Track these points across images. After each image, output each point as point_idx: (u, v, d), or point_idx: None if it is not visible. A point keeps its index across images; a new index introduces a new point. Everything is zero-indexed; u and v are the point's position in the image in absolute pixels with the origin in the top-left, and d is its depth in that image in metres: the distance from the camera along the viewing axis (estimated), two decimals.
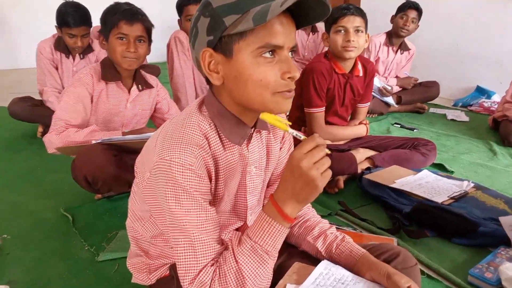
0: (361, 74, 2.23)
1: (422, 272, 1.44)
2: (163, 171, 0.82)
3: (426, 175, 2.01)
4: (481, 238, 1.59)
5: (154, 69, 5.10)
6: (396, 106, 3.55)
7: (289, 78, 0.83)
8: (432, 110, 3.74)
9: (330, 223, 1.11)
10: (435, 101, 3.87)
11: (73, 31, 2.52)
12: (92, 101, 1.80)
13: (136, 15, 1.71)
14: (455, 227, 1.63)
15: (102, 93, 1.80)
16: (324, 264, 0.97)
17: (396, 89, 3.63)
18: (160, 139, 0.86)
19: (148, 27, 1.76)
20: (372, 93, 3.37)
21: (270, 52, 0.81)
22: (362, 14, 2.07)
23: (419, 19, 3.37)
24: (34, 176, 2.21)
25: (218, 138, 0.89)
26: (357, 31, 2.05)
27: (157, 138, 0.89)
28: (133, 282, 1.08)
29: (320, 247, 1.04)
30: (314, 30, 4.56)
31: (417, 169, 2.15)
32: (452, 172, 2.33)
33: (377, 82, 3.45)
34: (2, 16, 5.53)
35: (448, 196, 1.76)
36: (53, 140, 1.70)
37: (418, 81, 3.67)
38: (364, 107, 2.37)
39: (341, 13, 2.05)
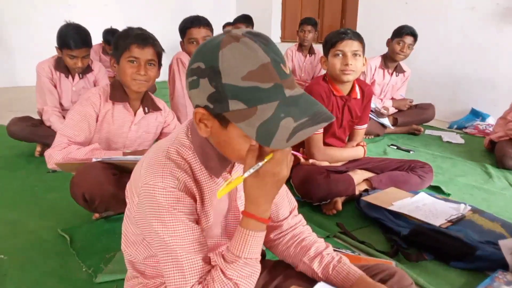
0: (358, 96, 2.27)
1: None
2: (147, 196, 0.86)
3: (423, 197, 2.03)
4: (478, 262, 1.59)
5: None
6: (392, 127, 3.59)
7: None
8: (427, 132, 3.79)
9: (326, 242, 1.12)
10: (431, 123, 3.92)
11: (74, 53, 2.56)
12: (97, 120, 1.83)
13: (147, 40, 1.77)
14: (453, 250, 1.63)
15: (108, 113, 1.83)
16: (320, 286, 0.97)
17: (392, 110, 3.68)
18: (145, 165, 0.89)
19: (158, 52, 1.81)
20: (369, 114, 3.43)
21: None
22: (359, 38, 2.12)
23: (414, 44, 3.44)
24: (32, 195, 2.21)
25: (201, 166, 0.91)
26: (355, 55, 2.09)
27: (142, 164, 0.92)
28: None
29: (317, 268, 1.05)
30: (311, 52, 4.66)
31: (414, 191, 2.16)
32: (449, 194, 2.35)
33: (373, 103, 3.50)
34: (2, 34, 5.58)
35: (445, 219, 1.78)
36: (54, 155, 1.72)
37: (413, 103, 3.73)
38: (361, 129, 2.40)
39: (339, 38, 2.10)
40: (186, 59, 2.59)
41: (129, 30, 1.79)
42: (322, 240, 1.13)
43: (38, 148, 2.80)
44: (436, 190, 2.40)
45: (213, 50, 0.78)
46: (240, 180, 0.83)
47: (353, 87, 2.23)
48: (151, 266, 1.03)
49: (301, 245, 1.10)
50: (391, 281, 1.02)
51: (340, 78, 2.13)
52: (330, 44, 2.13)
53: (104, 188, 1.64)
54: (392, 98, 3.74)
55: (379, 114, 3.51)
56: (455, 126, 3.99)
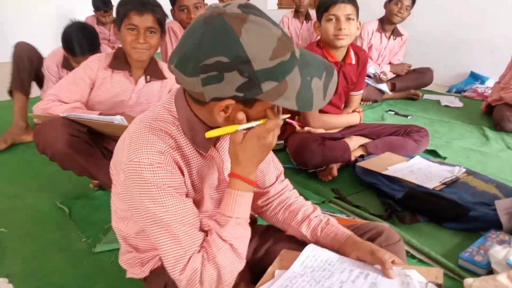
0: (353, 62, 2.23)
1: (413, 257, 1.47)
2: (133, 173, 0.84)
3: (418, 161, 2.04)
4: (472, 222, 1.62)
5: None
6: (390, 93, 3.56)
7: None
8: (426, 96, 3.76)
9: (313, 205, 1.13)
10: (429, 88, 3.88)
11: (80, 59, 2.35)
12: (94, 86, 1.79)
13: (146, 6, 1.68)
14: (446, 212, 1.66)
15: (105, 80, 1.79)
16: (310, 248, 1.00)
17: (390, 75, 3.64)
18: (127, 141, 0.88)
19: (159, 18, 1.72)
20: (366, 80, 3.40)
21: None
22: (353, 2, 2.07)
23: (412, 7, 3.36)
24: (30, 169, 2.22)
25: (187, 140, 0.90)
26: (348, 19, 2.05)
27: (124, 140, 0.91)
28: (128, 277, 1.10)
29: (305, 231, 1.07)
30: (308, 18, 4.55)
31: (410, 155, 2.17)
32: (445, 158, 2.36)
33: (372, 68, 3.46)
34: None
35: (439, 182, 1.79)
36: (35, 108, 1.74)
37: (411, 68, 3.68)
38: (357, 95, 2.38)
39: (331, 2, 2.05)
40: (177, 28, 2.54)
41: None
42: (309, 203, 1.14)
43: (36, 120, 2.80)
44: (432, 154, 2.40)
45: (231, 40, 0.74)
46: (232, 129, 0.85)
47: (347, 53, 2.20)
48: (144, 240, 1.04)
49: (289, 210, 1.11)
50: (379, 239, 1.04)
51: (334, 43, 2.09)
52: (323, 9, 2.08)
53: (55, 147, 1.62)
54: (390, 63, 3.70)
55: (377, 79, 3.47)
56: (454, 90, 3.95)
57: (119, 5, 1.71)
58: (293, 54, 0.79)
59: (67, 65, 2.62)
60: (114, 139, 1.86)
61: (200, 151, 0.93)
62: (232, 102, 0.80)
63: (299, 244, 1.05)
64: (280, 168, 1.17)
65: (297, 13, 4.51)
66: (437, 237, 1.61)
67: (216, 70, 0.75)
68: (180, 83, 0.83)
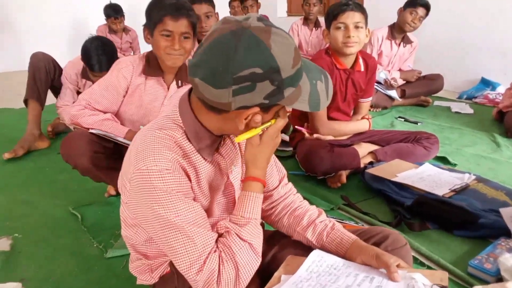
0: (362, 69, 2.24)
1: (423, 264, 1.47)
2: (142, 181, 0.86)
3: (428, 168, 2.03)
4: (481, 230, 1.61)
5: None
6: (400, 99, 3.56)
7: None
8: (436, 103, 3.74)
9: (318, 209, 1.14)
10: (440, 94, 3.87)
11: (97, 74, 2.43)
12: (127, 93, 1.78)
13: (181, 11, 1.63)
14: (456, 219, 1.65)
15: (139, 87, 1.77)
16: (316, 253, 1.01)
17: (400, 82, 3.64)
18: (134, 152, 0.90)
19: (193, 22, 1.69)
20: (376, 86, 3.40)
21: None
22: (361, 9, 2.08)
23: (425, 18, 3.36)
24: (43, 176, 2.27)
25: (192, 148, 0.93)
26: (357, 27, 2.06)
27: (131, 151, 0.93)
28: (138, 284, 1.12)
29: (311, 237, 1.08)
30: (317, 25, 4.58)
31: (419, 162, 2.17)
32: (455, 165, 2.35)
33: (383, 74, 3.47)
34: (10, 18, 5.61)
35: (449, 189, 1.78)
36: (66, 112, 1.78)
37: (421, 74, 3.68)
38: (366, 102, 2.39)
39: (340, 10, 2.06)
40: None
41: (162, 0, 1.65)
42: (314, 207, 1.15)
43: (49, 128, 2.88)
44: (442, 160, 2.39)
45: (264, 53, 0.79)
46: (256, 132, 0.91)
47: (356, 60, 2.21)
48: (152, 247, 1.05)
49: (293, 215, 1.12)
50: (385, 243, 1.05)
51: (343, 50, 2.11)
52: (331, 17, 2.10)
53: (79, 161, 1.68)
54: (400, 70, 3.70)
55: (388, 86, 3.47)
56: (465, 96, 3.93)
57: (151, 9, 1.66)
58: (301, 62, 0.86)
59: (86, 75, 2.69)
60: None
61: (205, 158, 0.95)
62: (257, 109, 0.84)
63: (305, 249, 1.06)
64: (283, 171, 1.18)
65: (306, 21, 4.54)
66: (446, 244, 1.61)
67: (249, 81, 0.79)
68: (201, 94, 0.84)
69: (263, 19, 0.84)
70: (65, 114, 2.72)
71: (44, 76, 2.74)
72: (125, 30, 5.01)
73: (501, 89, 3.76)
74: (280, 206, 1.15)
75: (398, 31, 3.51)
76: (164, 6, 1.62)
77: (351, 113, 2.42)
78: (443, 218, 1.69)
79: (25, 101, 2.71)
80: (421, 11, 3.32)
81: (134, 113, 1.82)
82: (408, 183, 1.86)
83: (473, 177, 1.91)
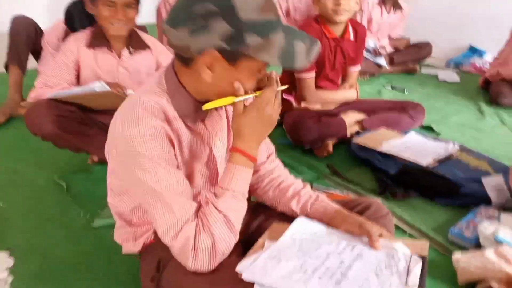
0: (352, 37, 2.22)
1: (404, 232, 1.51)
2: (126, 147, 0.87)
3: (412, 137, 2.06)
4: (463, 198, 1.66)
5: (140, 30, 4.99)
6: (388, 67, 3.54)
7: None
8: (424, 70, 3.74)
9: (304, 182, 1.15)
10: (428, 61, 3.86)
11: None
12: (79, 68, 1.80)
13: None
14: (439, 188, 1.69)
15: (89, 59, 1.79)
16: (300, 220, 1.03)
17: (389, 49, 3.62)
18: (119, 118, 0.91)
19: None
20: (365, 54, 3.38)
21: None
22: None
23: None
24: (26, 143, 2.20)
25: (176, 114, 0.93)
26: None
27: (116, 116, 0.93)
28: (124, 253, 1.13)
29: (295, 207, 1.09)
30: None
31: (405, 131, 2.19)
32: (439, 134, 2.37)
33: (371, 42, 3.44)
34: None
35: (433, 159, 1.82)
36: (29, 97, 1.78)
37: (411, 41, 3.66)
38: (355, 70, 2.37)
39: None
40: (173, 0, 2.49)
41: None
42: (300, 180, 1.16)
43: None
44: (427, 129, 2.42)
45: None
46: (229, 100, 0.90)
47: (346, 28, 2.18)
48: (137, 216, 1.06)
49: (279, 188, 1.13)
50: (368, 212, 1.07)
51: (333, 18, 2.07)
52: None
53: (43, 128, 1.66)
54: (389, 37, 3.67)
55: (376, 54, 3.45)
56: (452, 64, 3.93)
57: None
58: (278, 17, 0.85)
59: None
60: (112, 113, 1.88)
61: (189, 126, 0.95)
62: (216, 54, 0.83)
63: (289, 219, 1.07)
64: (272, 148, 1.19)
65: None
66: (428, 212, 1.66)
67: (203, 18, 0.80)
68: (171, 43, 0.86)
69: None
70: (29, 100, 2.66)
71: (25, 40, 2.65)
72: None
73: (488, 57, 3.76)
74: (266, 180, 1.15)
75: None
76: None
77: (339, 82, 2.41)
78: (426, 187, 1.73)
79: (6, 66, 2.62)
80: None
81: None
82: (393, 153, 1.88)
83: (457, 146, 1.94)
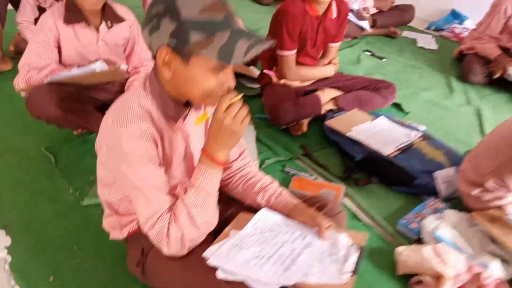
0: (334, 15, 2.25)
1: (359, 220, 1.72)
2: (115, 145, 1.01)
3: (381, 122, 2.20)
4: (417, 188, 1.85)
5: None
6: (370, 30, 3.57)
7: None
8: (405, 33, 3.78)
9: (272, 178, 1.30)
10: (410, 23, 3.88)
11: None
12: (60, 44, 1.82)
13: None
14: (396, 178, 1.88)
15: (69, 35, 1.82)
16: (263, 211, 1.20)
17: (373, 11, 3.62)
18: (111, 118, 1.03)
19: None
20: (348, 16, 3.38)
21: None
22: None
23: None
24: (12, 107, 2.27)
25: (160, 113, 1.05)
26: None
27: (108, 114, 1.05)
28: (111, 239, 1.28)
29: (260, 200, 1.25)
30: None
31: (376, 111, 2.34)
32: (408, 113, 2.52)
33: (356, 5, 3.43)
34: None
35: (395, 148, 1.98)
36: (17, 84, 1.81)
37: (394, 3, 3.66)
38: (335, 47, 2.43)
39: None
40: None
41: None
42: (268, 177, 1.31)
43: (11, 48, 2.79)
44: (397, 107, 2.57)
45: None
46: (205, 117, 1.09)
47: (329, 6, 2.20)
48: (124, 206, 1.21)
49: (248, 183, 1.28)
50: (325, 210, 1.25)
51: None
52: None
53: (48, 111, 1.74)
54: None
55: (360, 16, 3.45)
56: (433, 27, 3.97)
57: None
58: (227, 18, 0.93)
59: None
60: (104, 88, 1.95)
61: (170, 124, 1.08)
62: (168, 49, 0.94)
63: (255, 211, 1.22)
64: (244, 146, 1.32)
65: None
66: (385, 199, 1.85)
67: (156, 18, 0.93)
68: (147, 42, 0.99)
69: None
70: (16, 87, 2.63)
71: None
72: None
73: (468, 24, 3.82)
74: (237, 176, 1.30)
75: None
76: None
77: (319, 57, 2.47)
78: (386, 175, 1.91)
79: None
80: None
81: (77, 60, 1.88)
82: (359, 139, 2.03)
83: (419, 134, 2.11)
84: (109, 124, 1.02)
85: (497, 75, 2.85)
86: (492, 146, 1.61)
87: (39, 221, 1.60)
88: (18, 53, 2.79)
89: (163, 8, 0.91)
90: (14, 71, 2.54)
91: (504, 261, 1.49)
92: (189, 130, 1.14)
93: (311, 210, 1.19)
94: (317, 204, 1.26)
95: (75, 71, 1.79)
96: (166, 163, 1.10)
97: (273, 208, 1.23)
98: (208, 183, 1.05)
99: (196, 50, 0.92)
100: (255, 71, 2.76)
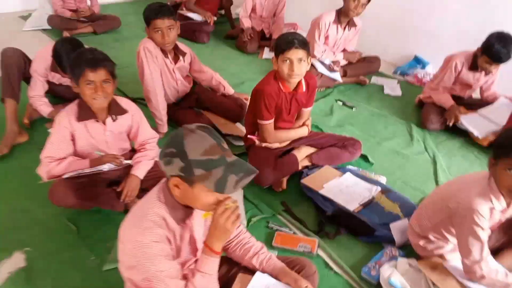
0: (304, 89, 2.67)
1: (331, 269, 2.11)
2: (138, 248, 1.34)
3: (347, 178, 2.61)
4: (377, 238, 2.26)
5: (114, 21, 5.19)
6: (341, 81, 4.02)
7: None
8: (373, 79, 4.23)
9: (261, 244, 1.71)
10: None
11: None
12: (75, 137, 2.16)
13: (98, 63, 2.00)
14: (360, 229, 2.29)
15: (82, 130, 2.14)
16: (258, 274, 1.63)
17: (343, 62, 4.08)
18: (132, 222, 1.37)
19: (111, 70, 2.05)
20: (321, 71, 3.85)
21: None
22: (304, 46, 2.45)
23: (367, 3, 3.69)
24: (30, 178, 2.48)
25: (171, 218, 1.41)
26: (300, 60, 2.45)
27: (129, 219, 1.40)
28: None
29: (255, 263, 1.67)
30: None
31: (344, 166, 2.76)
32: (372, 164, 2.94)
33: (327, 61, 3.89)
34: None
35: (358, 203, 2.39)
36: (41, 173, 2.15)
37: (362, 56, 4.12)
38: (307, 111, 2.85)
39: (287, 46, 2.42)
40: (152, 47, 2.82)
41: (81, 55, 2.03)
42: (259, 243, 1.72)
43: (26, 121, 3.16)
44: (364, 157, 2.98)
45: (180, 140, 1.28)
46: (208, 214, 1.41)
47: (299, 82, 2.63)
48: (146, 284, 1.48)
49: (244, 248, 1.70)
50: (303, 272, 1.67)
51: (288, 79, 2.51)
52: (279, 51, 2.46)
53: (68, 202, 2.16)
54: (344, 50, 4.10)
55: (331, 69, 3.90)
56: (399, 72, 4.44)
57: (74, 64, 2.03)
58: (222, 157, 1.27)
59: (55, 69, 2.98)
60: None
61: (179, 223, 1.44)
62: (178, 179, 1.28)
63: (251, 271, 1.67)
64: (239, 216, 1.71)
65: None
66: (351, 249, 2.25)
67: (169, 156, 1.27)
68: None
69: (202, 126, 1.32)
70: (38, 104, 3.01)
71: (17, 72, 2.96)
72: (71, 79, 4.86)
73: (429, 69, 4.29)
74: (234, 242, 1.71)
75: (344, 16, 3.84)
76: (84, 61, 1.99)
77: (294, 119, 2.89)
78: (352, 227, 2.32)
79: (1, 99, 2.94)
80: None
81: (88, 149, 2.22)
82: (330, 197, 2.44)
83: (379, 188, 2.52)
84: (130, 228, 1.35)
85: (450, 123, 3.30)
86: (431, 208, 2.02)
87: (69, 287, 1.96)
88: (32, 123, 3.17)
89: (175, 150, 1.27)
90: (31, 142, 2.96)
91: None
92: (193, 223, 1.52)
93: (294, 274, 1.62)
94: (297, 266, 1.69)
95: (87, 170, 2.15)
96: (177, 250, 1.48)
97: (264, 270, 1.65)
98: (210, 268, 1.42)
99: (199, 181, 1.28)
100: (241, 129, 3.17)
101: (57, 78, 3.10)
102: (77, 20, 4.79)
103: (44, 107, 3.05)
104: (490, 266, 1.81)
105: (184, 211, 1.43)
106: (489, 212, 1.77)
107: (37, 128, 3.12)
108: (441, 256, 2.03)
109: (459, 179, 2.03)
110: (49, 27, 4.82)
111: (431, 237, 2.03)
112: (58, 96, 3.23)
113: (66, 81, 3.12)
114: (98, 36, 4.85)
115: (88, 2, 4.99)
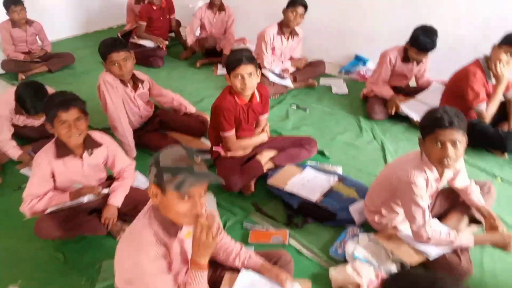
0: (258, 99, 2.94)
1: (302, 254, 2.37)
2: (137, 268, 1.48)
3: (308, 173, 2.89)
4: (339, 222, 2.54)
5: (68, 57, 5.29)
6: (292, 86, 4.33)
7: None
8: (322, 81, 4.57)
9: (240, 244, 1.93)
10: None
11: (34, 116, 3.00)
12: (54, 175, 2.29)
13: (70, 103, 2.14)
14: (324, 216, 2.56)
15: (61, 168, 2.27)
16: (243, 272, 1.84)
17: (292, 69, 4.40)
18: (128, 245, 1.53)
19: (82, 108, 2.19)
20: (273, 80, 4.15)
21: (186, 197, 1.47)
22: (252, 61, 2.71)
23: (305, 14, 4.03)
24: (10, 219, 2.64)
25: (164, 233, 1.59)
26: (250, 74, 2.72)
27: (124, 241, 1.58)
28: None
29: (237, 263, 1.89)
30: (221, 9, 5.05)
31: (304, 162, 3.05)
32: (329, 158, 3.25)
33: (278, 70, 4.20)
34: None
35: (320, 194, 2.67)
36: (24, 210, 2.29)
37: (308, 61, 4.47)
38: (264, 117, 3.11)
39: (237, 64, 2.67)
40: (111, 79, 3.00)
41: (52, 98, 2.18)
42: (238, 244, 1.94)
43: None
44: (321, 153, 3.28)
45: (157, 154, 1.50)
46: (190, 234, 1.62)
47: (253, 94, 2.89)
48: None
49: (226, 251, 1.91)
50: (279, 262, 1.92)
51: (242, 93, 2.78)
52: (230, 68, 2.71)
53: (53, 235, 2.30)
54: (291, 58, 4.43)
55: (282, 77, 4.22)
56: (344, 71, 4.82)
57: (46, 107, 2.17)
58: (189, 165, 1.42)
59: (20, 111, 3.09)
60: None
61: (171, 238, 1.62)
62: (155, 187, 1.46)
63: (235, 270, 1.88)
64: (220, 224, 1.91)
65: (211, 5, 4.99)
66: (318, 233, 2.52)
67: (150, 167, 1.48)
68: None
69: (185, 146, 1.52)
70: (7, 148, 3.12)
71: None
72: (28, 22, 4.90)
73: (370, 65, 4.69)
74: (218, 246, 1.91)
75: (285, 27, 4.16)
76: (56, 103, 2.13)
77: (254, 127, 3.15)
78: (317, 215, 2.59)
79: None
80: (300, 9, 3.98)
81: (67, 183, 2.37)
82: (294, 191, 2.71)
83: (336, 178, 2.82)
84: (132, 251, 1.49)
85: (392, 112, 3.67)
86: (379, 185, 2.33)
87: None
88: (2, 166, 3.26)
89: (153, 161, 1.47)
90: (3, 185, 3.05)
91: (402, 264, 2.18)
92: (183, 237, 1.70)
93: (275, 269, 1.85)
94: (274, 258, 1.94)
95: (68, 203, 2.30)
96: (170, 262, 1.65)
97: (247, 267, 1.87)
98: (199, 282, 1.58)
99: (167, 185, 1.43)
100: (207, 144, 3.39)
101: (22, 120, 3.23)
102: (30, 62, 4.86)
103: (12, 150, 3.16)
104: (434, 228, 2.11)
105: (173, 224, 1.60)
106: (425, 183, 2.09)
107: (7, 171, 3.20)
108: (394, 228, 2.33)
109: (397, 160, 2.35)
110: (3, 72, 4.87)
111: (383, 211, 2.33)
112: (24, 138, 3.35)
113: (30, 122, 3.26)
114: (53, 74, 4.92)
115: (39, 42, 5.08)
